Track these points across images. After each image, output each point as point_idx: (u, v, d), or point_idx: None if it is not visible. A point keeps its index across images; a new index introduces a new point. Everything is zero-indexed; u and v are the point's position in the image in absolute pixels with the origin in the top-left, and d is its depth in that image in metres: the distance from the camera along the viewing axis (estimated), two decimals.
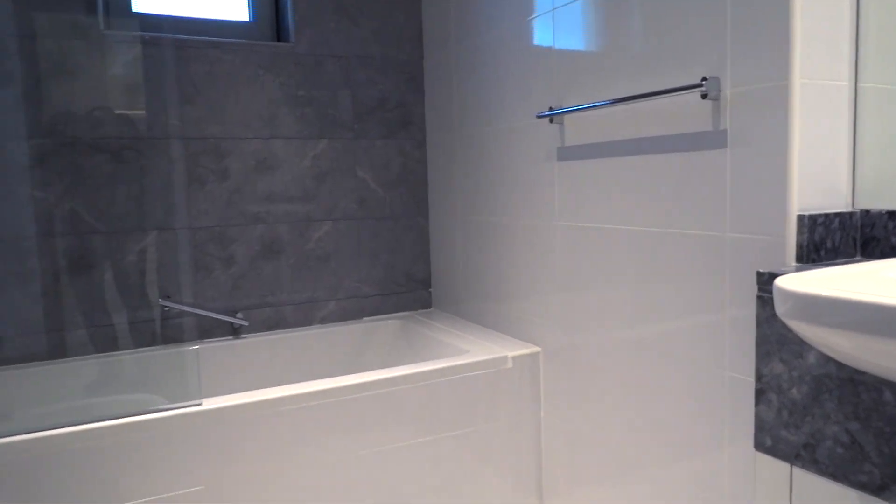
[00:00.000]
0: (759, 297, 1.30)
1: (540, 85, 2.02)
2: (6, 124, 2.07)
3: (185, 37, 2.29)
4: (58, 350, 2.17)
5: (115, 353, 2.25)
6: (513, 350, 2.11)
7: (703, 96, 1.46)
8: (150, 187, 2.27)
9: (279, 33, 2.54)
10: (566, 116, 1.92)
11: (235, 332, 2.45)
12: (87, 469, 1.59)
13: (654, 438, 1.70)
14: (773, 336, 1.28)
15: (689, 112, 1.53)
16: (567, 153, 1.93)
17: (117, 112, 2.21)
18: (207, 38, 2.33)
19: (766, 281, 1.29)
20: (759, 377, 1.32)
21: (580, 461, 1.99)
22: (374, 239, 2.66)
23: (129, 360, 2.25)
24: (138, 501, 1.64)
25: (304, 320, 2.56)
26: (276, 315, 2.51)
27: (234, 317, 2.41)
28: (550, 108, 1.93)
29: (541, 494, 2.17)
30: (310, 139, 2.52)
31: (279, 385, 1.84)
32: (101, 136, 2.19)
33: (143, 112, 2.25)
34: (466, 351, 2.14)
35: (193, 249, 2.36)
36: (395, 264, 2.72)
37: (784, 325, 1.25)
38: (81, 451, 1.58)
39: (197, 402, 1.72)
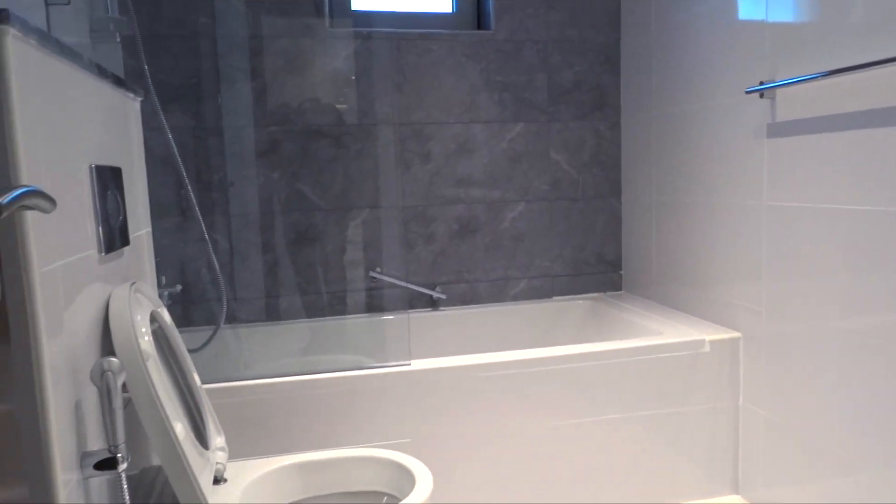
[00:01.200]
0: None
1: (747, 60, 1.93)
2: (245, 115, 2.40)
3: (399, 30, 2.48)
4: (281, 313, 2.48)
5: (329, 317, 2.52)
6: (710, 334, 2.06)
7: None
8: (364, 169, 2.50)
9: (480, 22, 2.65)
10: (778, 91, 1.82)
11: (434, 304, 2.62)
12: (309, 413, 1.82)
13: (881, 438, 1.58)
14: None
15: None
16: (779, 129, 1.83)
17: (338, 102, 2.46)
18: (418, 30, 2.51)
19: None
20: None
21: (783, 456, 1.89)
22: (565, 220, 2.71)
23: (341, 324, 2.51)
24: (354, 447, 1.84)
25: (497, 296, 2.68)
26: (470, 290, 2.65)
27: (434, 290, 2.59)
28: (761, 83, 1.84)
29: (737, 487, 2.10)
30: (506, 123, 2.61)
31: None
32: (323, 124, 2.45)
33: (359, 101, 2.48)
34: (659, 333, 2.12)
35: (399, 227, 2.57)
36: (586, 245, 2.74)
37: None
38: (305, 398, 1.82)
39: (407, 362, 1.89)
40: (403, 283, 2.55)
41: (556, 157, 2.67)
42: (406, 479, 1.46)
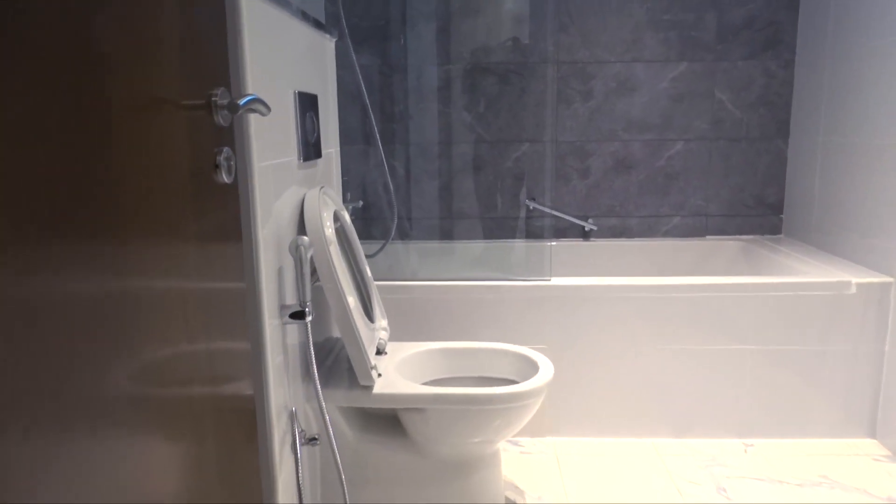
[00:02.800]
0: None
1: None
2: (426, 54, 2.68)
3: None
4: (445, 233, 2.79)
5: (487, 240, 2.79)
6: (859, 277, 2.03)
7: None
8: (527, 105, 2.70)
9: None
10: None
11: (585, 235, 2.79)
12: (459, 314, 2.11)
13: None
14: None
15: None
16: None
17: (507, 42, 2.66)
18: None
19: None
20: None
21: None
22: (725, 160, 2.71)
23: (496, 245, 2.77)
24: (494, 342, 2.12)
25: (648, 232, 2.78)
26: (621, 224, 2.78)
27: (586, 221, 2.75)
28: None
29: (874, 431, 2.09)
30: (669, 62, 2.65)
31: None
32: (492, 62, 2.67)
33: (527, 40, 2.65)
34: (806, 273, 2.13)
35: (557, 160, 2.74)
36: (746, 187, 2.73)
37: None
38: (458, 301, 2.11)
39: (547, 278, 2.11)
40: (557, 213, 2.74)
41: (720, 97, 2.66)
42: (532, 369, 1.70)
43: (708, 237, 2.76)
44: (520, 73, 2.67)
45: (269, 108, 0.96)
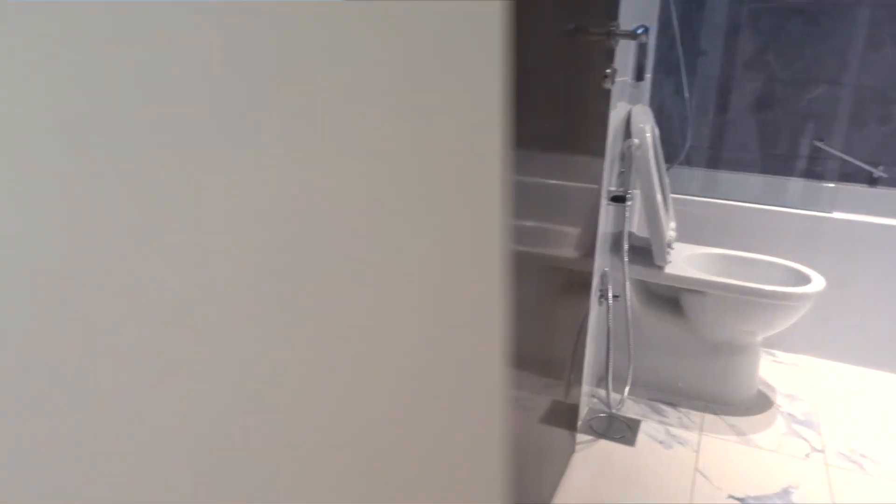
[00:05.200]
0: None
1: None
2: None
3: None
4: (725, 164, 3.00)
5: (770, 174, 2.95)
6: None
7: None
8: (832, 47, 2.76)
9: None
10: None
11: (872, 182, 2.82)
12: (735, 230, 2.38)
13: None
14: None
15: None
16: None
17: None
18: None
19: None
20: None
21: None
22: None
23: (775, 179, 2.92)
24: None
25: None
26: None
27: (875, 168, 2.78)
28: None
29: None
30: None
31: None
32: (802, 1, 2.76)
33: None
34: None
35: (853, 104, 2.78)
36: None
37: None
38: (735, 220, 2.37)
39: (828, 211, 2.29)
40: (845, 157, 2.81)
41: None
42: (803, 281, 1.96)
43: None
44: (830, 14, 2.73)
45: (647, 38, 1.36)
